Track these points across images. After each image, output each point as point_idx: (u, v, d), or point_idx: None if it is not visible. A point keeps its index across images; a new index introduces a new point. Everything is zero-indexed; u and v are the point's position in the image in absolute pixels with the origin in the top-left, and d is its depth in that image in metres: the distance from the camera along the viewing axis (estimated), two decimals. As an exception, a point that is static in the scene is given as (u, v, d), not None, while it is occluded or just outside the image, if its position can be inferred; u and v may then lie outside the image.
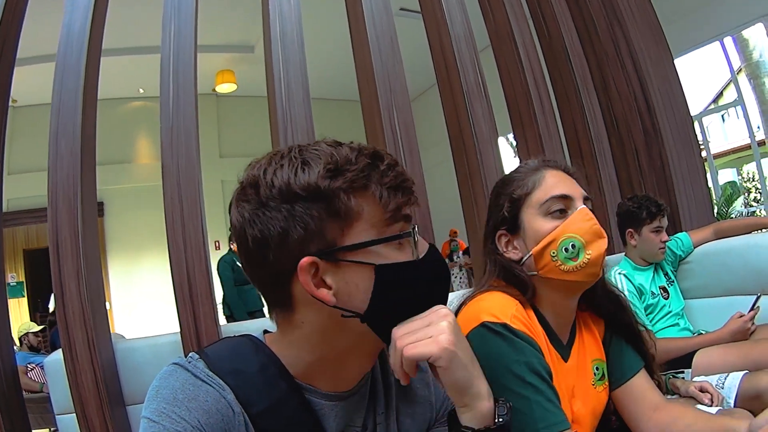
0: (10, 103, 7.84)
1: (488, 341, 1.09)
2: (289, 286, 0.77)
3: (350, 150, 0.77)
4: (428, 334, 0.74)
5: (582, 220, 1.20)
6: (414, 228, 0.80)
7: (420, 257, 0.80)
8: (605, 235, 1.19)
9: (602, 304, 1.36)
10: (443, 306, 0.79)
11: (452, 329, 0.74)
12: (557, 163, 1.32)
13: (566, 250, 1.20)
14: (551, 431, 1.03)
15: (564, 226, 1.21)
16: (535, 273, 1.24)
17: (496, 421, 0.77)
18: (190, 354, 0.82)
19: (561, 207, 1.23)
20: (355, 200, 0.75)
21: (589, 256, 1.18)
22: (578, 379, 1.27)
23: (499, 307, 1.17)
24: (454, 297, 1.42)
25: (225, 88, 8.96)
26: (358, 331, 0.77)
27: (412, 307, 0.78)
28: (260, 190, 0.76)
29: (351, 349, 0.81)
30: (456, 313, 1.26)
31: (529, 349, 1.10)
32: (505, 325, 1.11)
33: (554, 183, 1.26)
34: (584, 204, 1.23)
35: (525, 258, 1.26)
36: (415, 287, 0.79)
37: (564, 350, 1.27)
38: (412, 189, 0.81)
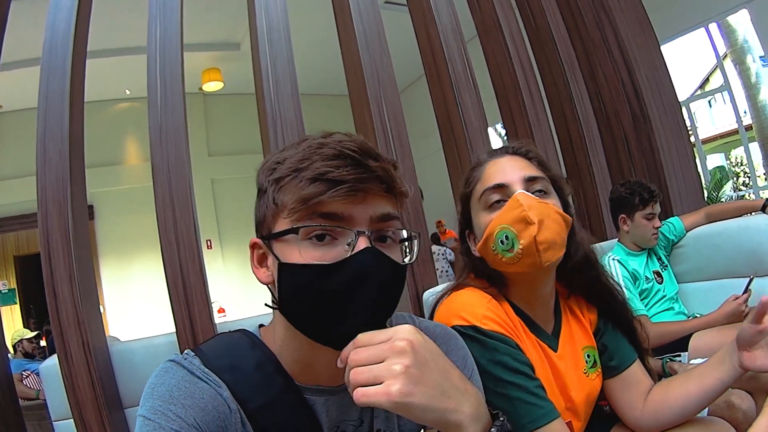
0: (-3, 109, 7.83)
1: None
2: None
3: (309, 141, 0.80)
4: (379, 378, 0.66)
5: (510, 208, 1.15)
6: (355, 232, 0.75)
7: (338, 261, 0.74)
8: (534, 221, 1.11)
9: (597, 296, 1.35)
10: (404, 331, 0.70)
11: (406, 373, 0.66)
12: (506, 150, 1.29)
13: (502, 242, 1.16)
14: (538, 424, 1.03)
15: (497, 217, 1.17)
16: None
17: None
18: (186, 351, 0.82)
19: (498, 198, 1.19)
20: (281, 192, 0.78)
21: (521, 246, 1.12)
22: (570, 368, 1.26)
23: (470, 308, 1.15)
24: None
25: (211, 86, 8.88)
26: None
27: (325, 310, 0.74)
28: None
29: (309, 341, 0.79)
30: (433, 311, 1.26)
31: (502, 347, 1.09)
32: (474, 328, 1.10)
33: (491, 173, 1.23)
34: (530, 187, 1.18)
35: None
36: (318, 295, 0.74)
37: (551, 340, 1.26)
38: (343, 182, 0.74)
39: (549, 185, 1.22)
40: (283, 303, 0.78)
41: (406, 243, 0.83)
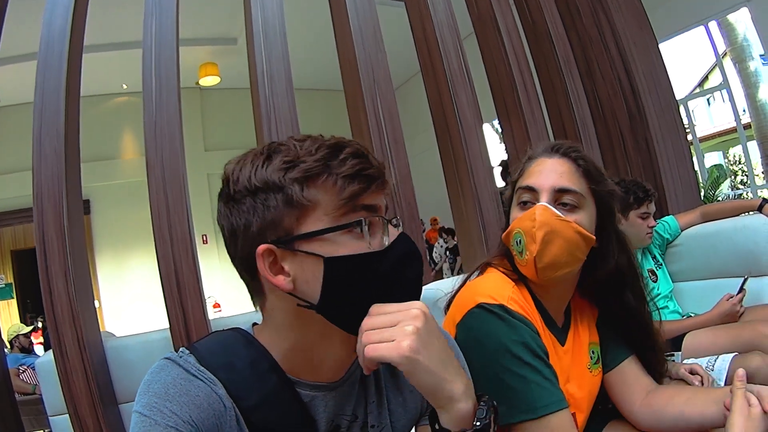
0: (-5, 104, 7.82)
1: (486, 321, 1.11)
2: (257, 274, 0.80)
3: (313, 142, 0.80)
4: (392, 337, 0.72)
5: (527, 218, 1.19)
6: (386, 220, 0.81)
7: (384, 247, 0.80)
8: (538, 240, 1.15)
9: (599, 288, 1.34)
10: (417, 303, 0.76)
11: (418, 333, 0.72)
12: (559, 149, 1.29)
13: (517, 243, 1.20)
14: (549, 410, 1.05)
15: (518, 219, 1.22)
16: None
17: (474, 424, 0.77)
18: (181, 349, 0.82)
19: (527, 198, 1.23)
20: (310, 190, 0.76)
21: (527, 257, 1.18)
22: (574, 363, 1.28)
23: (497, 288, 1.18)
24: (443, 285, 1.41)
25: (208, 81, 8.89)
26: (323, 322, 0.79)
27: (369, 299, 0.77)
28: (230, 185, 0.81)
29: (322, 338, 0.82)
30: (455, 294, 1.28)
31: (526, 330, 1.11)
32: (502, 306, 1.12)
33: (531, 173, 1.26)
34: (558, 197, 1.20)
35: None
36: (372, 280, 0.79)
37: (560, 334, 1.28)
38: (376, 177, 0.80)
39: (583, 199, 1.22)
40: (326, 299, 0.78)
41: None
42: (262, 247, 0.77)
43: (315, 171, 0.76)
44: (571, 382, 1.25)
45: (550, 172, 1.23)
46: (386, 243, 0.80)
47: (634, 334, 1.35)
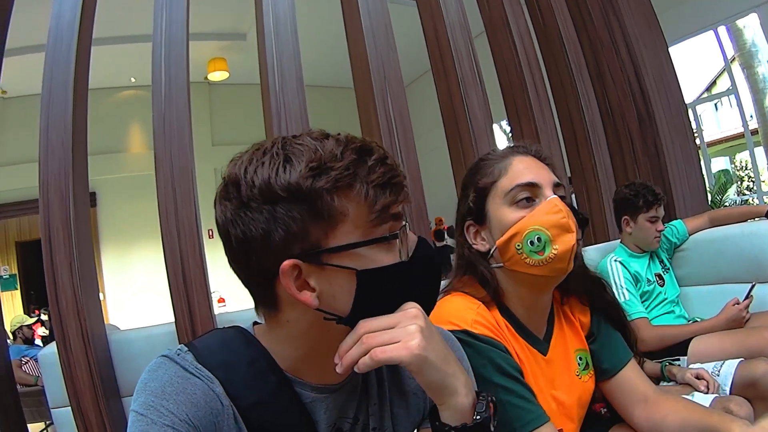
0: (0, 95, 7.84)
1: None
2: (273, 286, 0.75)
3: (336, 144, 0.73)
4: (397, 338, 0.71)
5: (549, 212, 1.14)
6: (405, 225, 0.78)
7: (409, 256, 0.77)
8: (574, 229, 1.12)
9: (585, 287, 1.34)
10: (413, 305, 0.75)
11: (422, 331, 0.72)
12: (528, 149, 1.27)
13: (531, 243, 1.13)
14: (528, 429, 1.03)
15: (529, 217, 1.15)
16: (502, 265, 1.20)
17: (474, 417, 0.76)
18: (179, 346, 0.81)
19: (527, 195, 1.17)
20: (340, 200, 0.71)
21: (555, 251, 1.12)
22: (560, 371, 1.26)
23: (459, 313, 1.14)
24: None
25: (217, 76, 8.89)
26: (344, 330, 0.75)
27: (395, 306, 0.76)
28: (241, 189, 0.73)
29: (335, 343, 0.78)
30: None
31: (494, 351, 1.09)
32: (465, 332, 1.09)
33: (521, 170, 1.21)
34: (555, 192, 1.18)
35: (492, 250, 1.21)
36: (401, 288, 0.77)
37: (541, 345, 1.25)
38: (402, 185, 0.76)
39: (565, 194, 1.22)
40: (357, 312, 0.75)
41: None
42: (288, 263, 0.71)
43: (345, 180, 0.71)
44: (559, 389, 1.24)
45: (539, 169, 1.21)
46: (407, 249, 0.78)
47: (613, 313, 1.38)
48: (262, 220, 0.71)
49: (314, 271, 0.73)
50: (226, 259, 0.80)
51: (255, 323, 0.88)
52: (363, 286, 0.73)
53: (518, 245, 1.15)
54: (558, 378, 1.24)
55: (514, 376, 1.08)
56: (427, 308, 0.80)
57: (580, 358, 1.31)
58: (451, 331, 1.07)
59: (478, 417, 0.76)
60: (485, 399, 0.78)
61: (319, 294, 0.73)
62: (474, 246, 1.26)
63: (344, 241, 0.72)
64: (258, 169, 0.72)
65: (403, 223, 0.78)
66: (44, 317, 5.50)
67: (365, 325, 0.73)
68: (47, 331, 5.49)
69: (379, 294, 0.75)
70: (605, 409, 1.38)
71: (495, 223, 1.21)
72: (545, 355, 1.25)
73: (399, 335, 0.71)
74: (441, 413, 0.77)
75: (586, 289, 1.35)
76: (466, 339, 1.08)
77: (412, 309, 0.74)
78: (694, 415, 1.18)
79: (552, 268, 1.14)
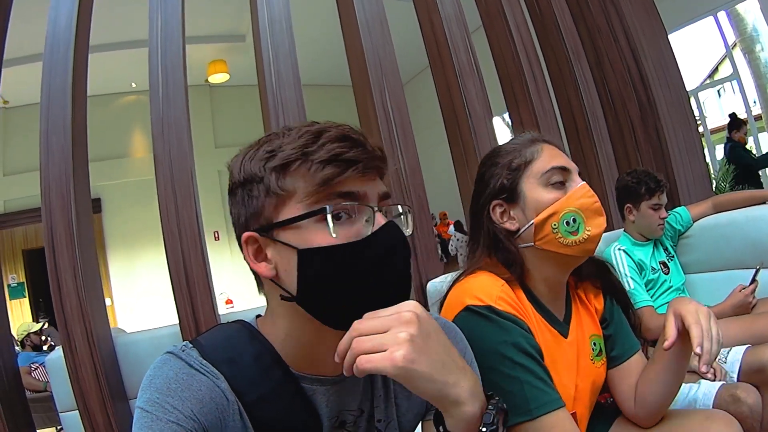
0: (2, 105, 7.88)
1: (474, 324, 1.08)
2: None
3: (299, 129, 0.79)
4: (384, 346, 0.67)
5: (585, 195, 1.20)
6: (368, 206, 0.77)
7: (362, 237, 0.75)
8: (604, 213, 1.19)
9: (595, 270, 1.37)
10: (410, 305, 0.72)
11: (412, 340, 0.67)
12: (550, 140, 1.31)
13: (567, 223, 1.18)
14: (544, 410, 1.03)
15: (566, 198, 1.20)
16: (531, 244, 1.23)
17: (480, 429, 0.73)
18: (184, 343, 0.82)
19: (561, 179, 1.22)
20: (288, 179, 0.76)
21: (588, 233, 1.18)
22: (579, 355, 1.26)
23: (484, 288, 1.16)
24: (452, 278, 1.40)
25: (217, 78, 8.93)
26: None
27: (349, 293, 0.75)
28: (229, 179, 0.84)
29: (317, 331, 0.78)
30: (445, 296, 1.26)
31: (516, 329, 1.09)
32: (489, 307, 1.10)
33: (553, 155, 1.25)
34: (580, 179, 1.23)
35: (524, 228, 1.24)
36: (348, 272, 0.75)
37: (562, 327, 1.26)
38: (355, 161, 0.75)
39: None
40: (303, 292, 0.75)
41: (402, 216, 0.86)
42: (245, 235, 0.79)
43: (291, 158, 0.75)
44: (576, 373, 1.24)
45: (564, 156, 1.26)
46: (367, 233, 0.75)
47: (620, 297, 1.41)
48: (237, 201, 0.81)
49: (270, 244, 0.78)
50: (232, 260, 0.83)
51: (258, 316, 0.89)
52: (303, 265, 0.75)
53: (554, 224, 1.20)
54: (575, 362, 1.25)
55: (534, 356, 1.09)
56: (392, 298, 0.75)
57: (594, 344, 1.32)
58: (475, 306, 1.11)
59: (484, 429, 0.73)
60: (495, 407, 0.75)
61: (276, 266, 0.78)
62: (502, 224, 1.28)
63: (288, 216, 0.75)
64: (235, 160, 0.83)
65: (368, 204, 0.77)
66: (41, 325, 5.41)
67: (358, 326, 0.70)
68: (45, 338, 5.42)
69: (322, 275, 0.74)
70: (611, 399, 1.38)
71: (531, 202, 1.24)
72: (566, 338, 1.26)
73: (387, 342, 0.68)
74: (446, 420, 0.75)
75: (597, 272, 1.38)
76: (489, 314, 1.10)
77: (407, 312, 0.70)
78: (657, 357, 1.23)
79: (582, 249, 1.19)
